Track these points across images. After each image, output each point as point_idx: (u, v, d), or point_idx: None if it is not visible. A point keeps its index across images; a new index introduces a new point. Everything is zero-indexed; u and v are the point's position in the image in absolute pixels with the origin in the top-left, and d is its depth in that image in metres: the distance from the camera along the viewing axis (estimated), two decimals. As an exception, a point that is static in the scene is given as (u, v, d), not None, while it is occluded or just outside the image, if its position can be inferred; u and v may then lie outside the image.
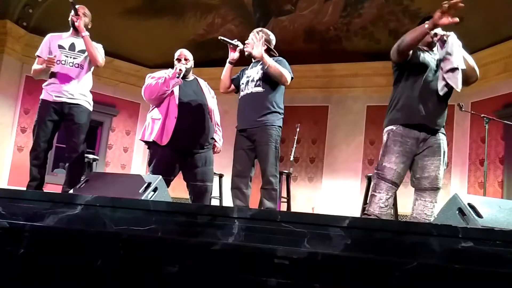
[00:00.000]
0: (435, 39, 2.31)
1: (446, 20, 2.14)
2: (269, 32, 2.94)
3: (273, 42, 2.94)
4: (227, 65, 2.90)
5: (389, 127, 2.35)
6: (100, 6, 6.61)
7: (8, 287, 1.55)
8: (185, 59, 3.01)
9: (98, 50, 2.99)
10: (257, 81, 2.77)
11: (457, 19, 2.16)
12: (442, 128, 2.36)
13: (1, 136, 6.24)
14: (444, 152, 2.31)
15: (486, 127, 3.78)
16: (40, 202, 1.64)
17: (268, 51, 2.88)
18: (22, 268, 1.55)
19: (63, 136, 3.01)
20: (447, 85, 2.25)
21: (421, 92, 2.30)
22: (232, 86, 2.94)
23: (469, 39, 5.85)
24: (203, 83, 3.14)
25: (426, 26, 2.21)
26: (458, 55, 2.21)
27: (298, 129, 4.51)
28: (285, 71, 2.71)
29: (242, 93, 2.85)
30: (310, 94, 6.72)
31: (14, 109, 6.39)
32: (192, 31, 6.96)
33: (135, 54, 7.07)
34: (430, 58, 2.37)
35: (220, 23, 6.86)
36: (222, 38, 2.83)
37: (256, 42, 2.75)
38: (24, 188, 2.92)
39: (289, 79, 2.73)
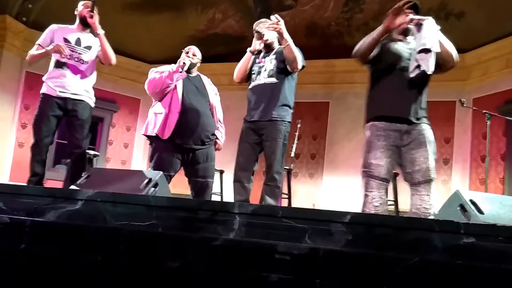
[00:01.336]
0: (412, 24, 2.28)
1: (400, 20, 2.18)
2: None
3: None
4: (248, 54, 2.78)
5: (371, 122, 2.31)
6: (101, 1, 6.59)
7: (9, 283, 1.55)
8: (193, 54, 3.00)
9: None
10: (270, 71, 2.70)
11: (410, 17, 2.20)
12: (425, 118, 2.30)
13: (1, 132, 6.24)
14: (430, 141, 2.25)
15: (488, 123, 3.76)
16: (41, 198, 1.64)
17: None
18: (22, 263, 1.55)
19: (65, 131, 2.99)
20: (419, 67, 2.20)
21: (396, 83, 2.26)
22: (247, 76, 2.83)
23: (471, 34, 5.86)
24: (206, 80, 3.13)
25: (380, 30, 2.24)
26: (432, 37, 2.17)
27: (299, 125, 4.49)
28: (299, 57, 2.64)
29: (253, 83, 2.77)
30: (311, 90, 6.69)
31: (14, 104, 6.38)
32: (192, 26, 6.93)
33: (136, 50, 7.05)
34: (403, 48, 2.34)
35: (220, 18, 6.83)
36: (257, 29, 2.73)
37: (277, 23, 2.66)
38: (25, 184, 2.91)
39: (300, 67, 2.66)
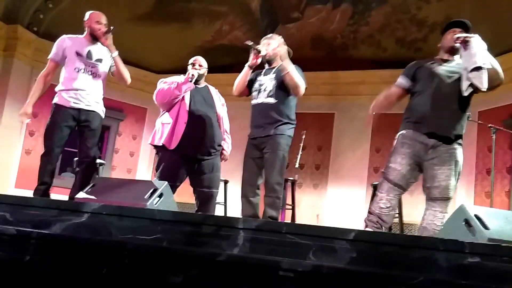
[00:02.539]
0: (458, 42, 2.30)
1: None
2: (281, 36, 2.90)
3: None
4: (246, 69, 2.79)
5: (400, 132, 2.41)
6: (109, 11, 6.68)
7: (14, 294, 1.55)
8: (199, 65, 3.04)
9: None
10: (270, 91, 2.72)
11: (457, 35, 2.30)
12: (459, 139, 2.32)
13: (9, 139, 6.30)
14: (456, 162, 2.27)
15: (493, 136, 3.74)
16: (47, 209, 1.65)
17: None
18: (28, 275, 1.56)
19: (75, 140, 3.02)
20: (472, 85, 2.22)
21: (432, 101, 2.30)
22: (246, 90, 2.87)
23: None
24: (213, 91, 3.16)
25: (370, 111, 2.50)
26: (482, 54, 2.19)
27: (304, 136, 4.50)
28: (301, 83, 2.66)
29: (254, 101, 2.80)
30: (316, 101, 6.70)
31: (23, 112, 6.46)
32: (199, 37, 7.00)
33: (143, 60, 7.12)
34: (441, 68, 2.37)
35: (228, 30, 6.89)
36: (250, 42, 2.73)
37: (277, 44, 2.72)
38: (31, 191, 2.92)
39: (302, 92, 2.69)
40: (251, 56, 2.74)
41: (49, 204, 1.70)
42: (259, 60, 2.75)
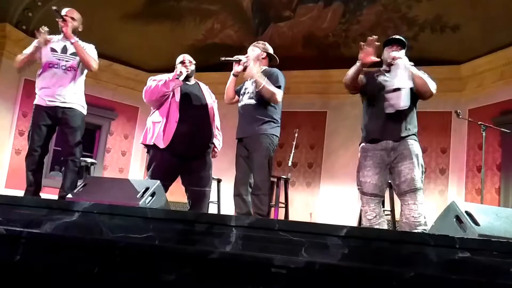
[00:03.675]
0: (392, 61, 2.54)
1: (369, 59, 2.42)
2: (265, 42, 3.04)
3: (270, 50, 3.01)
4: (231, 77, 2.96)
5: (360, 145, 2.58)
6: (100, 10, 6.63)
7: (4, 294, 1.54)
8: (189, 61, 3.05)
9: (90, 54, 2.93)
10: (251, 93, 2.82)
11: (377, 59, 2.46)
12: (412, 134, 2.49)
13: (-1, 139, 6.22)
14: (416, 155, 2.43)
15: (483, 134, 3.79)
16: (37, 209, 1.64)
17: (269, 59, 2.97)
18: (18, 275, 1.54)
19: (59, 139, 3.00)
20: (391, 105, 2.46)
21: (378, 110, 2.51)
22: (236, 97, 2.99)
23: (466, 46, 5.93)
24: (204, 87, 3.16)
25: (358, 64, 2.49)
26: (401, 76, 2.45)
27: (296, 135, 4.52)
28: (277, 90, 2.76)
29: (239, 104, 2.92)
30: (308, 100, 6.73)
31: (12, 112, 6.38)
32: (191, 36, 6.97)
33: (134, 58, 7.07)
34: (382, 79, 2.57)
35: (219, 28, 6.88)
36: (224, 58, 2.92)
37: (250, 62, 2.85)
38: (21, 191, 2.91)
39: (280, 99, 2.78)
40: (235, 65, 2.93)
41: (39, 204, 1.68)
42: (241, 67, 2.90)
